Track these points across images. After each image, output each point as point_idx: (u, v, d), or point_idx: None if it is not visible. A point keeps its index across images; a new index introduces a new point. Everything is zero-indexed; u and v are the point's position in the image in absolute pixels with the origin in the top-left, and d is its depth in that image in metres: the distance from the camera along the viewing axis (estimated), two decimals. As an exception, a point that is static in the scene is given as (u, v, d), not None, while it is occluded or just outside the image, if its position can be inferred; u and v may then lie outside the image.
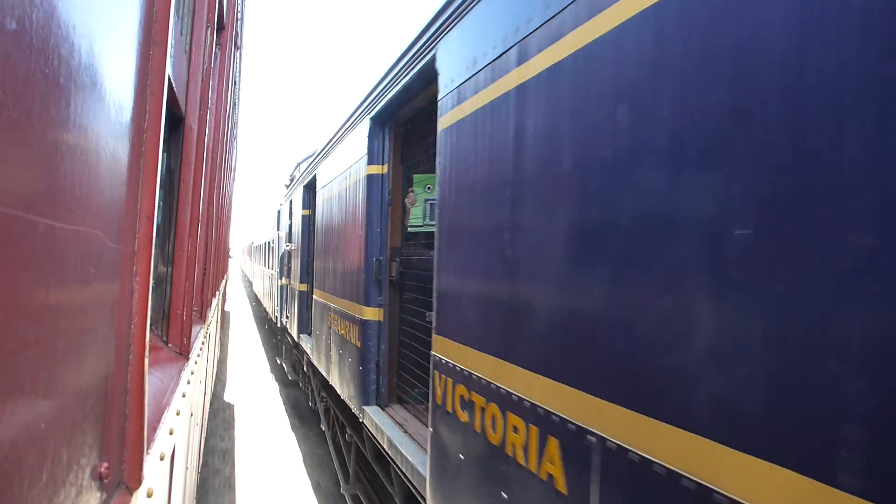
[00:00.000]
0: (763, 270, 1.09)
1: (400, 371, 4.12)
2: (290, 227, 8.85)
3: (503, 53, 2.08)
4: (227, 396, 10.77)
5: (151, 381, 1.56)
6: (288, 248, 9.22)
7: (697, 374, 1.21)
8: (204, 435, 5.59)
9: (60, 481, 0.68)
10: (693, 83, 1.27)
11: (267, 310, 15.18)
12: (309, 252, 7.24)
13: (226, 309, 16.87)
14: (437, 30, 2.72)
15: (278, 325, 11.36)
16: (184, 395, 2.08)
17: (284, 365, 11.64)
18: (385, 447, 3.67)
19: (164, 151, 1.08)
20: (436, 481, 2.59)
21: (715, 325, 1.18)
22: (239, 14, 6.05)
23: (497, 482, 2.01)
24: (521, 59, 1.96)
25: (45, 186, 0.61)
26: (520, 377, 1.90)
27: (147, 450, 1.11)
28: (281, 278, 10.19)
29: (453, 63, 2.53)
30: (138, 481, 1.03)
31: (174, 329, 2.20)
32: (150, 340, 1.11)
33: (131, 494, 1.01)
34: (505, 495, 1.94)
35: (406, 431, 3.58)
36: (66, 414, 0.71)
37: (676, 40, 1.32)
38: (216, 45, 3.09)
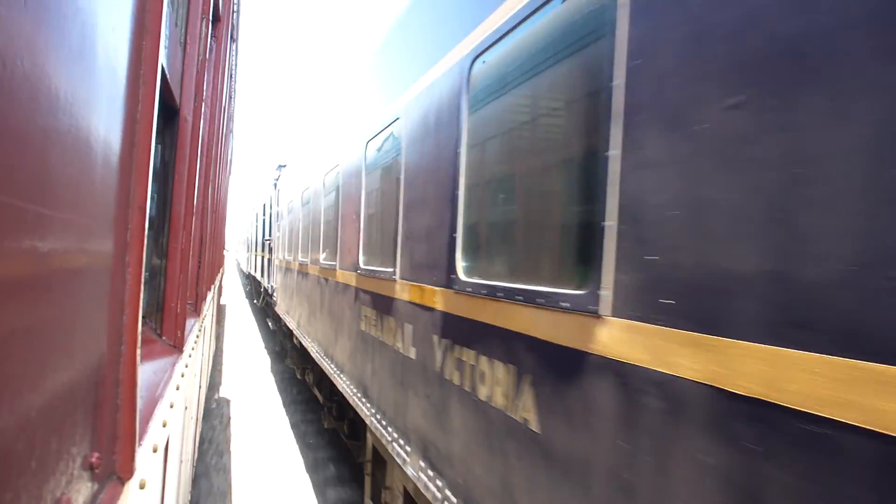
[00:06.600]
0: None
1: None
2: (264, 223, 16.94)
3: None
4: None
5: (145, 374, 1.55)
6: (249, 240, 23.52)
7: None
8: (199, 429, 5.60)
9: (50, 470, 0.68)
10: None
11: (243, 268, 33.44)
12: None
13: (221, 302, 20.31)
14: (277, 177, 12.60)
15: (247, 272, 27.12)
16: (178, 388, 2.07)
17: (249, 285, 27.87)
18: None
19: (157, 142, 1.07)
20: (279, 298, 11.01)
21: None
22: (235, 6, 6.01)
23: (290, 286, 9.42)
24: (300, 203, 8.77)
25: (35, 174, 0.61)
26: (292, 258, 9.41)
27: (139, 441, 1.11)
28: (248, 252, 25.59)
29: (285, 193, 10.96)
30: (130, 472, 1.03)
31: (168, 322, 2.19)
32: (144, 333, 1.11)
33: (123, 485, 1.01)
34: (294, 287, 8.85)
35: None
36: (57, 403, 0.71)
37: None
38: (211, 37, 3.07)
